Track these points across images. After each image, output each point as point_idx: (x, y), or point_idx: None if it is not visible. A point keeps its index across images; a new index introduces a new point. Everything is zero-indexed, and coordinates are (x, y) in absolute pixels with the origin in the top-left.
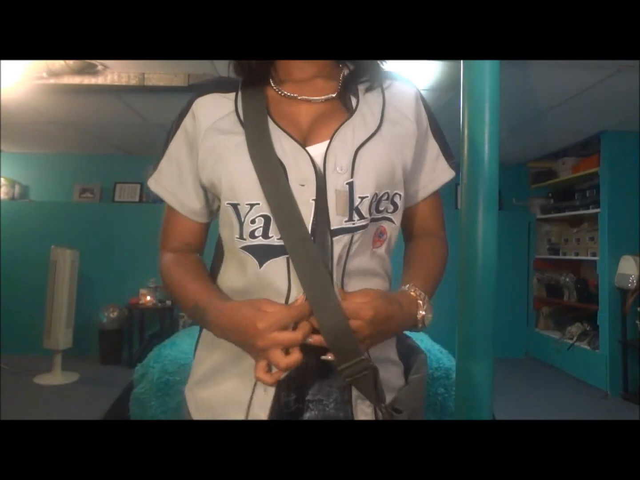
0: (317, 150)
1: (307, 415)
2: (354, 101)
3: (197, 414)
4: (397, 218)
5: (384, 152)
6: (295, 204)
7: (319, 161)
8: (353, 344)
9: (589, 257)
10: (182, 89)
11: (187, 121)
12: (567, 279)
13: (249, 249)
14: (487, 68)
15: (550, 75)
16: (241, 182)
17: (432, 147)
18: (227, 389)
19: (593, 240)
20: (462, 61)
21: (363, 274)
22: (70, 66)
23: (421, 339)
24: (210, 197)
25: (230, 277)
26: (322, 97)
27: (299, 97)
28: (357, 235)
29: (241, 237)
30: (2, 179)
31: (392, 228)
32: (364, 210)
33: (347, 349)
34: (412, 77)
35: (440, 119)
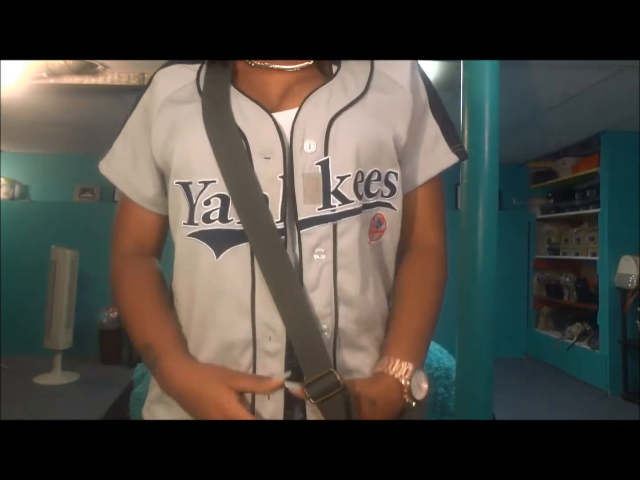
0: (285, 118)
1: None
2: (334, 68)
3: None
4: (396, 203)
5: (367, 121)
6: (256, 182)
7: (287, 132)
8: (321, 351)
9: (589, 257)
10: None
11: (146, 96)
12: (567, 279)
13: (201, 235)
14: (487, 68)
15: (550, 75)
16: (194, 156)
17: (431, 126)
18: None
19: (593, 240)
20: (462, 61)
21: (361, 272)
22: (70, 66)
23: None
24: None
25: (179, 275)
26: (297, 66)
27: (270, 66)
28: (345, 223)
29: (191, 221)
30: (2, 179)
31: (392, 215)
32: (347, 192)
33: (313, 357)
34: None
35: None
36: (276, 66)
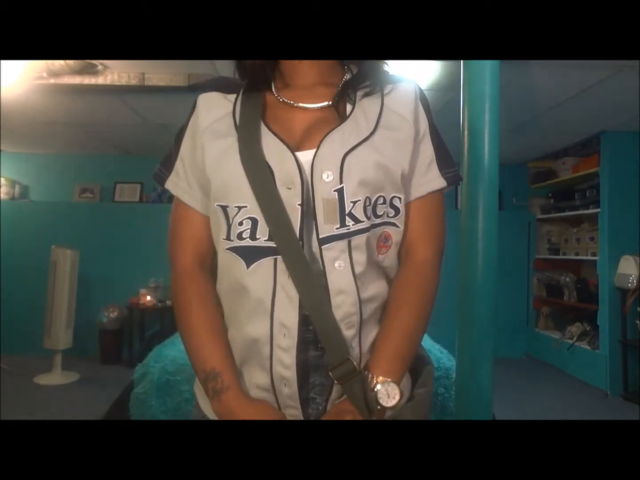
0: (305, 156)
1: (307, 412)
2: (349, 108)
3: (209, 408)
4: (400, 222)
5: (374, 157)
6: (283, 207)
7: (306, 167)
8: (342, 343)
9: (589, 257)
10: (182, 89)
11: (192, 119)
12: (567, 279)
13: (236, 249)
14: (487, 68)
15: (550, 75)
16: (231, 185)
17: (427, 151)
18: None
19: (593, 240)
20: (462, 61)
21: (374, 279)
22: (70, 66)
23: None
24: None
25: (221, 280)
26: (318, 105)
27: (295, 105)
28: (357, 239)
29: (228, 238)
30: (2, 179)
31: (397, 232)
32: (359, 213)
33: (335, 347)
34: (413, 77)
35: (440, 119)
36: (299, 104)
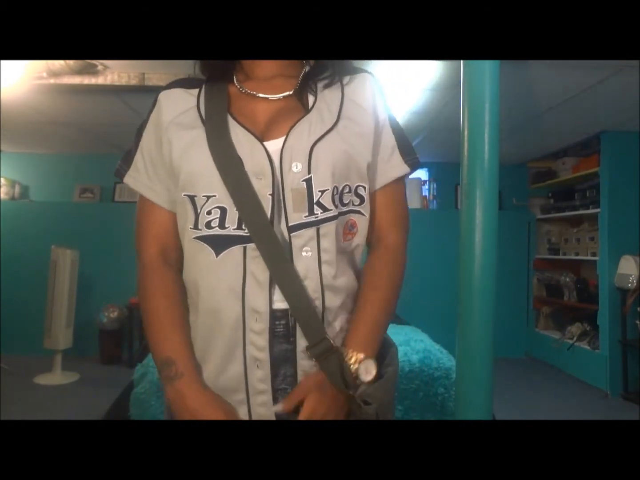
0: (273, 146)
1: (278, 401)
2: (311, 99)
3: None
4: (365, 210)
5: (340, 146)
6: (255, 195)
7: (275, 157)
8: (317, 322)
9: (589, 257)
10: None
11: (154, 114)
12: (567, 279)
13: (204, 238)
14: (487, 68)
15: (550, 75)
16: (199, 175)
17: (388, 140)
18: (210, 372)
19: (593, 240)
20: (462, 61)
21: (343, 269)
22: (70, 66)
23: (421, 339)
24: None
25: (187, 270)
26: (280, 95)
27: (257, 95)
28: (325, 227)
29: (196, 227)
30: (2, 179)
31: (362, 220)
32: (327, 202)
33: (312, 328)
34: (412, 77)
35: (440, 119)
36: (262, 95)
